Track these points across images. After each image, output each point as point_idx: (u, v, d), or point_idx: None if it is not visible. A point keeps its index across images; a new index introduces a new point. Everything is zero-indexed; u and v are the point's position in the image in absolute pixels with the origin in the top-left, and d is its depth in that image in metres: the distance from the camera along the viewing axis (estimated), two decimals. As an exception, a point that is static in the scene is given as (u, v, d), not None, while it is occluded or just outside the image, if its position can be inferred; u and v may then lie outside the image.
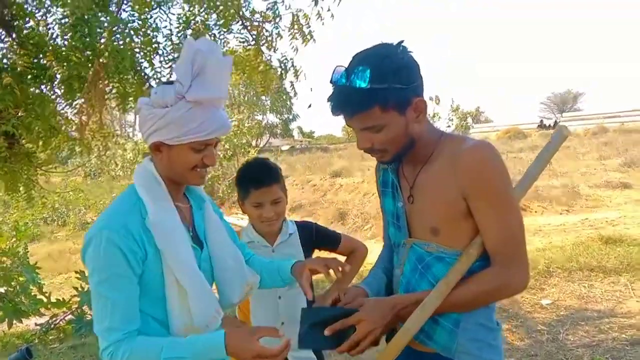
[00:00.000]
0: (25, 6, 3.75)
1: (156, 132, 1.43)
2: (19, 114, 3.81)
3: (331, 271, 1.67)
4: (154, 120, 1.41)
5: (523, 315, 4.83)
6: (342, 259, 2.34)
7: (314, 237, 2.25)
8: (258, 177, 2.05)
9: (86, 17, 3.46)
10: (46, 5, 3.82)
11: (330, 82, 1.43)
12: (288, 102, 37.15)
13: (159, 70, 4.32)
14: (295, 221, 2.29)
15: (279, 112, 40.05)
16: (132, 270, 1.39)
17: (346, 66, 1.41)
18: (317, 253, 2.30)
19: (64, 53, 3.69)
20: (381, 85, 1.35)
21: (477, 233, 1.44)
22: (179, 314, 1.44)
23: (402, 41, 1.44)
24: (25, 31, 3.74)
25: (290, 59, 4.36)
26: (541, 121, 40.72)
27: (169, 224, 1.45)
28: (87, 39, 3.50)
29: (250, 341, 1.37)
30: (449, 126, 15.60)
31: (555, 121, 39.91)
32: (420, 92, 1.44)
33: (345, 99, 1.39)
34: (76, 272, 5.54)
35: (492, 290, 1.44)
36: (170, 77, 4.42)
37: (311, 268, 1.66)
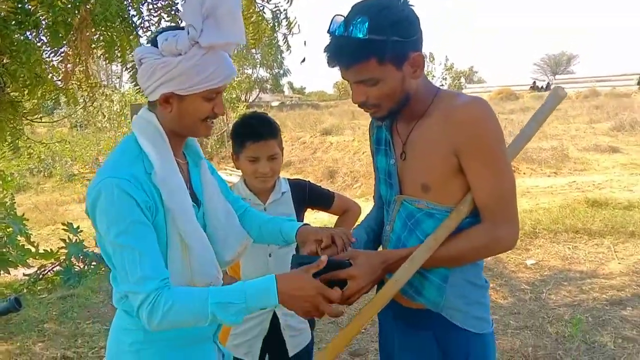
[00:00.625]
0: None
1: (167, 83, 1.33)
2: (4, 61, 3.69)
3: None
4: (165, 70, 1.31)
5: (507, 274, 4.91)
6: (334, 218, 2.34)
7: (307, 196, 2.21)
8: (256, 131, 1.99)
9: (72, -41, 3.30)
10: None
11: (328, 32, 1.38)
12: (279, 56, 36.53)
13: (147, 18, 4.18)
14: (288, 179, 2.25)
15: (269, 67, 39.43)
16: (147, 219, 1.31)
17: (345, 16, 1.36)
18: (309, 211, 2.28)
19: (48, -3, 3.54)
20: (379, 37, 1.31)
21: (468, 190, 1.43)
22: (181, 272, 1.38)
23: None
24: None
25: (284, 10, 4.22)
26: (534, 83, 40.60)
27: (175, 181, 1.39)
28: (73, -17, 3.35)
29: (308, 280, 1.30)
30: (442, 85, 15.46)
31: (548, 83, 39.77)
32: (418, 46, 1.40)
33: (342, 49, 1.36)
34: (63, 223, 5.52)
35: (481, 247, 1.43)
36: (159, 25, 4.29)
37: (317, 239, 1.56)
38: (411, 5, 1.39)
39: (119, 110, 21.47)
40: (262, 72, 39.99)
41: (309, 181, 2.32)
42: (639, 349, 3.37)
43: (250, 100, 35.42)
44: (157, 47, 1.34)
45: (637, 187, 8.66)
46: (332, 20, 1.37)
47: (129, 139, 1.41)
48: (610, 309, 4.02)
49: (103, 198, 1.28)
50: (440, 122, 1.41)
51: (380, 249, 1.66)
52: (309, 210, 2.27)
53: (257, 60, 35.95)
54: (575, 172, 10.60)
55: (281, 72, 41.47)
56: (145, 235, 1.29)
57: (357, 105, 1.46)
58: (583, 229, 6.00)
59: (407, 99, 1.44)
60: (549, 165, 11.03)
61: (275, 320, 2.09)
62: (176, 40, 1.30)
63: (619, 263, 5.04)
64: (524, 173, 10.73)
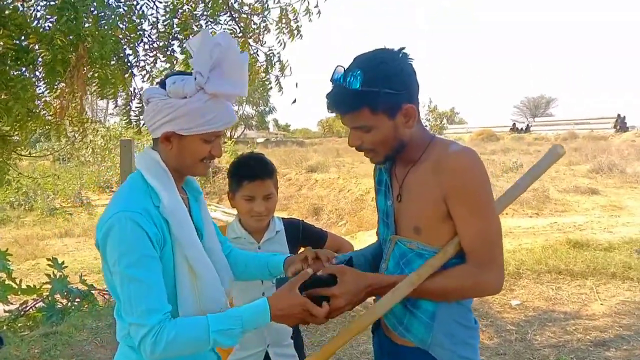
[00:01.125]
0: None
1: (170, 122, 1.41)
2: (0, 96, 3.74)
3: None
4: (169, 111, 1.40)
5: (493, 314, 4.95)
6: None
7: (301, 234, 2.25)
8: (253, 171, 2.05)
9: (73, 0, 3.41)
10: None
11: (330, 80, 1.49)
12: (265, 94, 37.00)
13: (143, 58, 4.28)
14: (282, 218, 2.29)
15: (255, 104, 39.85)
16: (156, 252, 1.37)
17: (346, 67, 1.47)
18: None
19: (48, 35, 3.62)
20: (372, 89, 1.42)
21: (456, 234, 1.49)
22: (191, 302, 1.43)
23: (403, 48, 1.50)
24: (7, 12, 3.66)
25: (277, 53, 4.37)
26: (514, 124, 41.50)
27: (181, 212, 1.45)
28: (74, 23, 3.44)
29: (294, 297, 1.41)
30: (426, 126, 15.74)
31: (528, 125, 40.68)
32: (412, 99, 1.49)
33: (339, 98, 1.47)
34: (48, 259, 5.46)
35: (465, 288, 1.49)
36: (154, 65, 4.39)
37: (301, 259, 1.67)
38: (410, 60, 1.49)
39: (103, 145, 21.44)
40: (248, 109, 40.38)
41: (302, 220, 2.37)
42: (624, 390, 3.42)
43: (236, 136, 35.60)
44: (165, 89, 1.42)
45: (617, 228, 8.84)
46: (334, 70, 1.48)
47: (135, 176, 1.48)
48: (594, 349, 4.07)
49: (116, 230, 1.33)
50: (433, 169, 1.49)
51: None
52: (301, 249, 2.31)
53: (244, 98, 36.35)
54: (556, 213, 10.78)
55: (267, 109, 41.94)
56: (153, 268, 1.35)
57: (354, 148, 1.55)
58: (566, 269, 6.09)
59: (402, 146, 1.53)
60: (530, 206, 11.21)
61: (267, 357, 2.11)
62: (183, 85, 1.39)
63: (602, 304, 5.12)
64: (507, 213, 10.87)
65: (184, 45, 4.38)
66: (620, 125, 33.13)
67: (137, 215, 1.34)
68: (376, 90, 1.42)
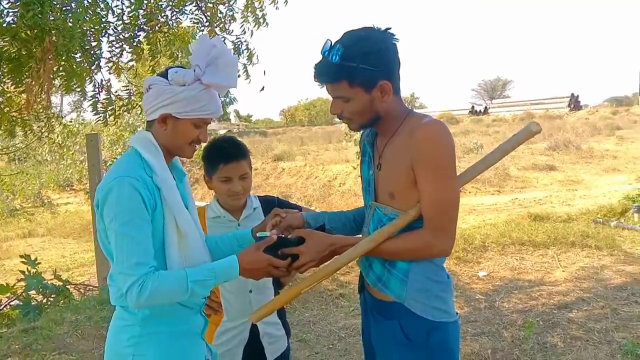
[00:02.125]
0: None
1: (168, 106, 1.60)
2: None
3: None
4: (169, 95, 1.59)
5: (462, 286, 5.18)
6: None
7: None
8: (228, 152, 2.12)
9: (38, -7, 3.38)
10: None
11: (320, 52, 1.64)
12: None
13: (109, 49, 4.27)
14: (258, 196, 2.38)
15: (215, 96, 39.36)
16: (148, 215, 1.54)
17: (334, 41, 1.62)
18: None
19: (12, 30, 3.58)
20: (350, 64, 1.57)
21: None
22: (177, 259, 1.59)
23: (389, 28, 1.64)
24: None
25: (245, 41, 4.42)
26: (472, 107, 42.34)
27: (171, 181, 1.63)
28: (39, 17, 3.42)
29: (259, 254, 1.62)
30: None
31: (486, 107, 41.58)
32: (389, 75, 1.62)
33: (322, 69, 1.63)
34: (21, 256, 5.40)
35: (415, 249, 1.63)
36: (121, 56, 4.39)
37: (272, 224, 1.88)
38: (394, 39, 1.63)
39: (60, 142, 20.87)
40: (209, 101, 39.85)
41: (277, 196, 2.48)
42: (586, 345, 3.67)
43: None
44: (166, 78, 1.62)
45: (575, 201, 9.27)
46: (324, 43, 1.62)
47: (130, 152, 1.65)
48: (557, 312, 4.33)
49: (115, 192, 1.51)
50: (406, 139, 1.63)
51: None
52: None
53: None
54: (517, 189, 11.20)
55: (227, 100, 41.51)
56: (144, 228, 1.53)
57: (335, 116, 1.72)
58: (528, 241, 6.38)
59: (378, 118, 1.67)
60: (492, 184, 11.60)
61: (254, 329, 2.21)
62: (184, 74, 1.60)
63: (563, 271, 5.41)
64: (470, 192, 11.23)
65: (150, 36, 4.39)
66: (574, 104, 34.29)
67: (134, 180, 1.52)
68: (354, 65, 1.56)
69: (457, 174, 1.64)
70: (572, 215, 7.69)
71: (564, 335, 3.85)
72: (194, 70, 1.60)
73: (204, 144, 2.27)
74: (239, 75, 4.62)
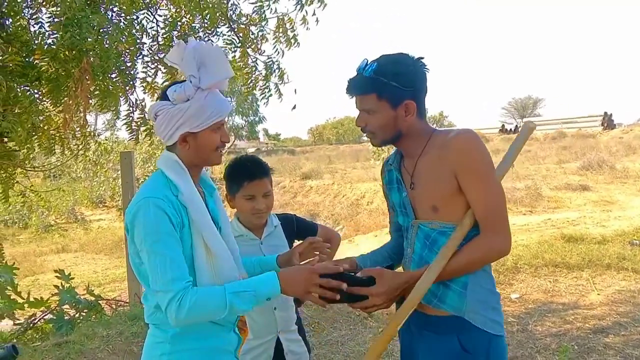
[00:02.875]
0: (14, 4, 3.77)
1: (183, 125, 1.61)
2: (5, 113, 3.82)
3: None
4: (180, 115, 1.60)
5: (494, 308, 5.07)
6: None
7: (295, 227, 2.39)
8: (251, 171, 2.16)
9: (77, 17, 3.51)
10: (38, 4, 3.85)
11: (356, 69, 1.75)
12: (255, 104, 37.13)
13: (143, 70, 4.38)
14: (277, 214, 2.41)
15: (244, 114, 39.91)
16: (176, 233, 1.56)
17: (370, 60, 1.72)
18: (296, 243, 2.45)
19: (52, 51, 3.72)
20: (381, 79, 1.67)
21: (469, 207, 1.67)
22: (208, 278, 1.60)
23: (422, 57, 1.74)
24: (13, 28, 3.76)
25: (276, 61, 4.49)
26: (502, 126, 41.93)
27: (198, 199, 1.64)
28: (77, 38, 3.55)
29: (302, 270, 1.61)
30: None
31: (516, 126, 41.10)
32: (415, 97, 1.71)
33: (354, 82, 1.74)
34: (55, 271, 5.52)
35: (481, 256, 1.66)
36: (155, 76, 4.50)
37: (300, 252, 1.92)
38: (425, 68, 1.74)
39: (95, 160, 21.36)
40: (238, 120, 40.43)
41: (294, 214, 2.50)
42: (624, 372, 3.54)
43: (227, 146, 35.62)
44: (168, 100, 1.62)
45: (609, 222, 9.01)
46: (362, 61, 1.73)
47: (157, 173, 1.68)
48: (593, 337, 4.20)
49: (142, 213, 1.53)
50: (440, 153, 1.69)
51: (400, 269, 1.88)
52: (295, 241, 2.43)
53: (233, 108, 36.43)
54: (549, 209, 10.97)
55: (256, 119, 41.98)
56: (175, 245, 1.54)
57: (360, 129, 1.80)
58: (562, 262, 6.23)
59: (399, 136, 1.75)
60: (523, 204, 11.39)
61: (278, 346, 2.22)
62: (184, 89, 1.60)
63: (598, 294, 5.26)
64: (501, 212, 11.03)
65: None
66: (608, 122, 33.61)
67: (159, 200, 1.54)
68: (385, 81, 1.67)
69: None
70: (606, 236, 7.48)
71: (600, 361, 3.73)
72: (190, 81, 1.60)
73: (226, 163, 2.33)
74: (270, 95, 4.73)
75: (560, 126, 32.88)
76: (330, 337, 4.62)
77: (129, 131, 4.54)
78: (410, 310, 1.68)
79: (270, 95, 4.51)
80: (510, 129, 40.23)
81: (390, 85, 1.67)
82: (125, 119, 4.62)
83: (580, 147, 19.02)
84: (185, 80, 1.63)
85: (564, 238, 7.49)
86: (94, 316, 5.24)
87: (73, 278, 5.62)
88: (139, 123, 4.59)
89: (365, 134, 1.82)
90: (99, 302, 5.56)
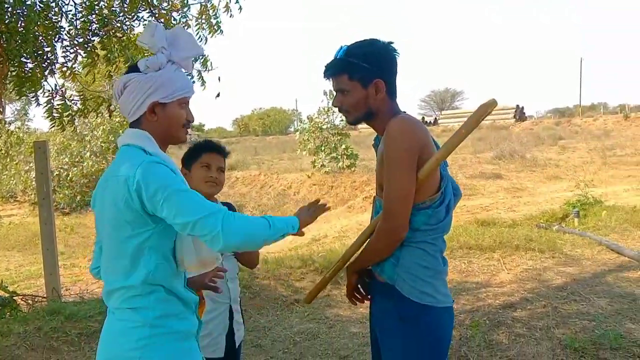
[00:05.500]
0: None
1: (153, 93, 1.62)
2: None
3: None
4: (150, 83, 1.62)
5: (413, 289, 5.33)
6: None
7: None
8: (211, 145, 2.40)
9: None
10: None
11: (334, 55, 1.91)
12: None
13: (63, 54, 4.22)
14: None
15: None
16: None
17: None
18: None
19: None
20: (351, 60, 1.83)
21: None
22: (191, 249, 1.63)
23: (392, 42, 1.89)
24: None
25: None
26: (422, 118, 43.36)
27: (179, 172, 1.67)
28: (-10, 20, 3.37)
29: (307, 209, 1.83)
30: (342, 120, 16.24)
31: (436, 118, 42.67)
32: (384, 76, 1.84)
33: (329, 65, 1.90)
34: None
35: (375, 237, 1.86)
36: (75, 61, 4.35)
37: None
38: (394, 51, 1.88)
39: (4, 151, 20.04)
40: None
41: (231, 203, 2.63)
42: (528, 341, 3.86)
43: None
44: (139, 71, 1.64)
45: (519, 207, 9.66)
46: (339, 48, 1.89)
47: (129, 149, 1.64)
48: (503, 312, 4.53)
49: (153, 170, 1.52)
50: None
51: None
52: None
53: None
54: (465, 197, 11.54)
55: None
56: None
57: (336, 109, 2.00)
58: (475, 245, 6.63)
59: (371, 114, 1.88)
60: (442, 191, 11.92)
61: (231, 316, 2.39)
62: (156, 59, 1.64)
63: (508, 273, 5.66)
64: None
65: (105, 41, 4.37)
66: (519, 115, 35.65)
67: (158, 159, 1.58)
68: (355, 62, 1.83)
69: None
70: (516, 220, 8.03)
71: (508, 333, 4.03)
72: (162, 52, 1.64)
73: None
74: (193, 82, 4.68)
75: (476, 118, 34.41)
76: (257, 323, 4.69)
77: (50, 119, 4.35)
78: (339, 266, 2.06)
79: (193, 82, 4.48)
80: (430, 121, 41.67)
81: (360, 66, 1.82)
82: (45, 105, 4.41)
83: (494, 138, 20.11)
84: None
85: (478, 222, 7.97)
86: (8, 313, 5.00)
87: (-16, 274, 5.32)
88: (60, 110, 4.40)
89: (341, 114, 1.99)
90: (14, 298, 5.30)
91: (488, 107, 1.82)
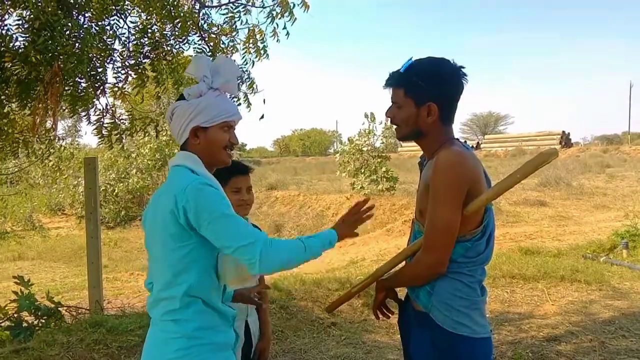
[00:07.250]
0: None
1: (194, 119, 1.73)
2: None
3: None
4: (192, 109, 1.73)
5: (453, 317, 5.22)
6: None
7: None
8: (238, 167, 2.38)
9: (50, 21, 3.52)
10: (6, 7, 3.82)
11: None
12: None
13: (114, 75, 4.39)
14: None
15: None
16: None
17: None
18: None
19: (23, 54, 3.70)
20: (411, 76, 1.82)
21: None
22: (232, 266, 1.71)
23: (463, 67, 1.85)
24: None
25: (246, 70, 4.56)
26: (464, 142, 42.77)
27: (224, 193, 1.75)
28: (50, 42, 3.55)
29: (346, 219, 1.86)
30: (382, 143, 16.21)
31: (478, 142, 42.06)
32: (439, 100, 1.82)
33: (391, 75, 1.91)
34: (14, 277, 5.40)
35: (414, 268, 1.88)
36: (126, 82, 4.51)
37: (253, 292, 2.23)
38: (462, 76, 1.84)
39: (54, 166, 20.81)
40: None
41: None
42: (574, 377, 3.72)
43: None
44: (184, 100, 1.78)
45: (564, 236, 9.36)
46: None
47: (178, 168, 1.75)
48: (547, 345, 4.38)
49: (204, 190, 1.62)
50: (432, 163, 1.83)
51: None
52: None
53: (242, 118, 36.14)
54: (508, 224, 11.29)
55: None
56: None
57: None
58: (519, 274, 6.46)
59: (419, 134, 1.87)
60: (484, 218, 11.69)
61: (247, 328, 2.43)
62: (197, 87, 1.76)
63: (552, 304, 5.48)
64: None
65: (155, 63, 4.53)
66: (565, 141, 34.76)
67: (207, 180, 1.67)
68: (414, 79, 1.81)
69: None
70: (562, 250, 7.78)
71: (552, 367, 3.90)
72: (203, 80, 1.76)
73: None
74: (239, 104, 4.79)
75: (520, 143, 33.84)
76: (293, 345, 4.68)
77: (99, 136, 4.52)
78: (368, 282, 2.09)
79: (239, 104, 4.58)
80: (472, 146, 41.03)
81: (418, 84, 1.80)
82: (95, 123, 4.60)
83: (538, 165, 19.57)
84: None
85: (521, 251, 7.76)
86: (53, 323, 5.14)
87: (33, 284, 5.50)
88: (109, 128, 4.58)
89: (392, 125, 1.97)
90: (59, 309, 5.45)
91: (548, 157, 1.76)
